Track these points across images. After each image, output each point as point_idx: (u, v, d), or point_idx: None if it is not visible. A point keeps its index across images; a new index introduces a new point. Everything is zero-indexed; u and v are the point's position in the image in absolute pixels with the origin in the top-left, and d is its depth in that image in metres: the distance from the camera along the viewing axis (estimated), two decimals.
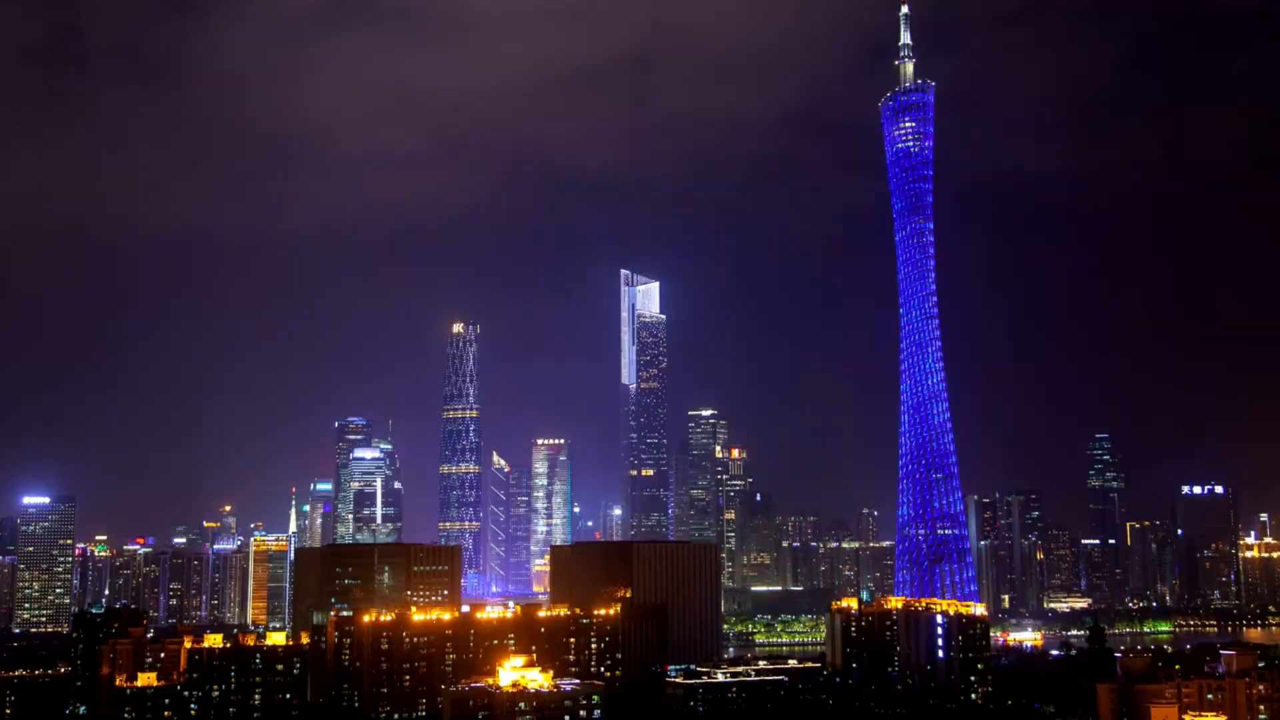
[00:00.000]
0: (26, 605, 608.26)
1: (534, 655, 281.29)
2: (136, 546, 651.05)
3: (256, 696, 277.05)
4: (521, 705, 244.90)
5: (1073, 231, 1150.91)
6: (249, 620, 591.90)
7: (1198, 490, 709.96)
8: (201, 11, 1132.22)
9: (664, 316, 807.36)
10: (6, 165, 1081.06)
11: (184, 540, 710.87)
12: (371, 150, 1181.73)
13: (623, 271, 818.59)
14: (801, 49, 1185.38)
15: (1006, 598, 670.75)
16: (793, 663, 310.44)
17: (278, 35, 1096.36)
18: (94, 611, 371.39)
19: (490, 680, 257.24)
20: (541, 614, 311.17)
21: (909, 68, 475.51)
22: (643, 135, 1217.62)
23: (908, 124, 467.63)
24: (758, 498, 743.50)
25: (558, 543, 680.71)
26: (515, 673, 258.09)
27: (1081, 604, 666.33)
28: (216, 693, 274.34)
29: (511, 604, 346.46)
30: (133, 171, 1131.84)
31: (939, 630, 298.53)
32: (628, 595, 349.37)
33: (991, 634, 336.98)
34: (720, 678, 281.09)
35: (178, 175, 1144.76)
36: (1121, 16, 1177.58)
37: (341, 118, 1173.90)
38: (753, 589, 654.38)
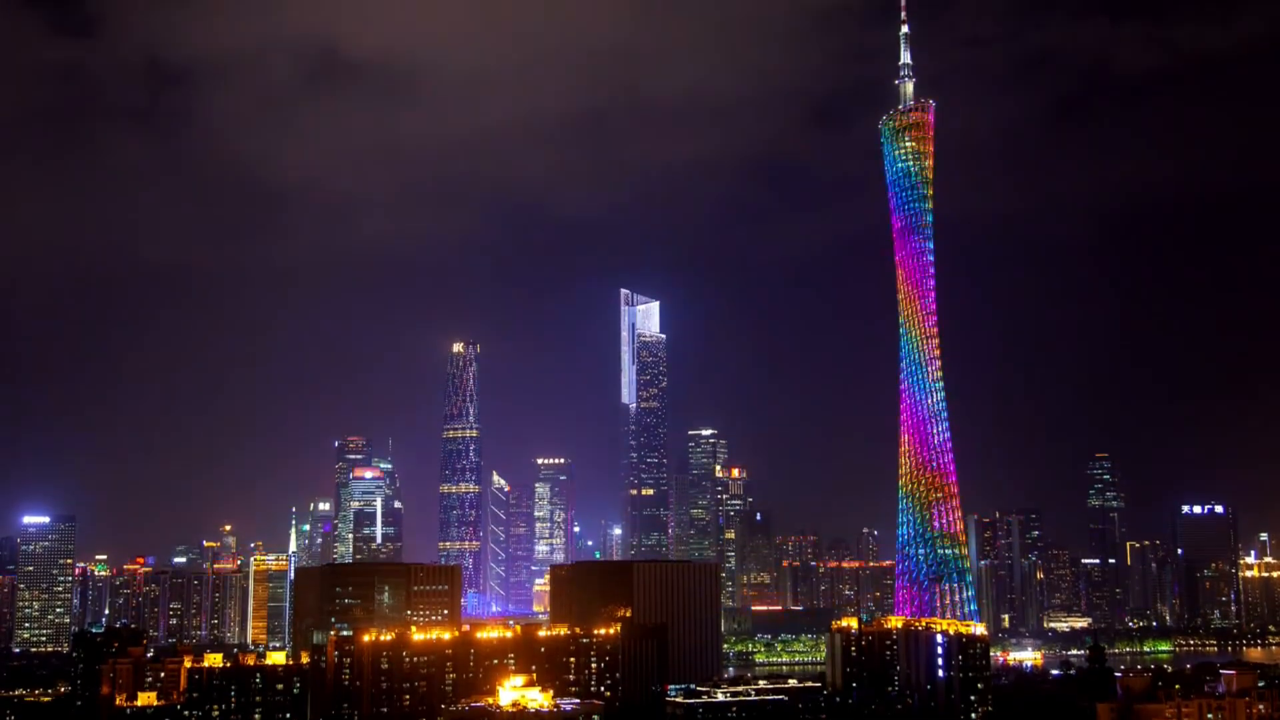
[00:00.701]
0: (27, 625, 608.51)
1: (534, 675, 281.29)
2: (136, 566, 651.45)
3: (256, 716, 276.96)
4: None
5: (1071, 252, 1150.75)
6: (249, 640, 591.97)
7: (1197, 510, 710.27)
8: (197, 78, 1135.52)
9: (664, 336, 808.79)
10: (15, 208, 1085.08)
11: (184, 560, 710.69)
12: (359, 194, 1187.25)
13: (622, 291, 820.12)
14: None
15: (1007, 617, 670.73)
16: (793, 682, 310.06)
17: (268, 96, 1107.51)
18: (94, 631, 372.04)
19: (490, 700, 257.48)
20: (541, 633, 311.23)
21: (909, 87, 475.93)
22: (622, 175, 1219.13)
23: (908, 143, 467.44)
24: (758, 517, 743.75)
25: (558, 562, 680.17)
26: (515, 692, 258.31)
27: (1081, 623, 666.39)
28: (216, 712, 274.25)
29: (511, 623, 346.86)
30: (133, 214, 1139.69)
31: (939, 650, 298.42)
32: (628, 615, 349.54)
33: (991, 653, 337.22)
34: (720, 697, 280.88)
35: (174, 217, 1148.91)
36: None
37: (327, 166, 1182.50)
38: (753, 608, 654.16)
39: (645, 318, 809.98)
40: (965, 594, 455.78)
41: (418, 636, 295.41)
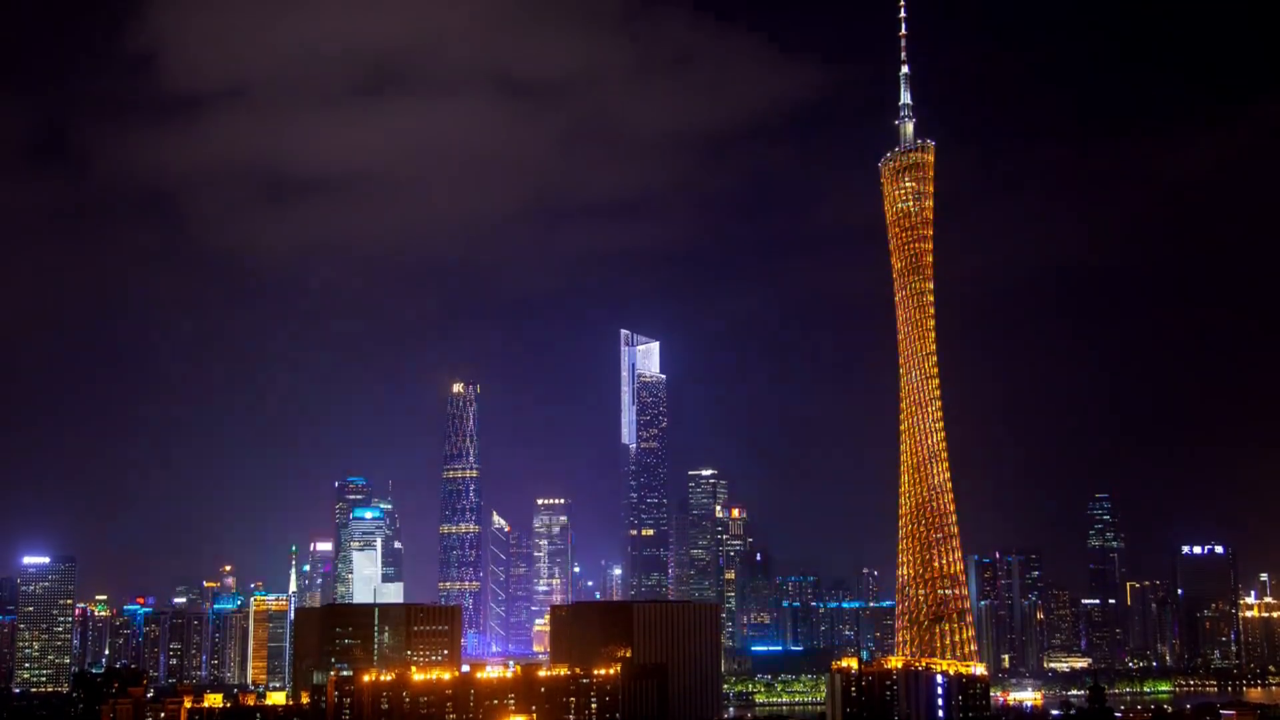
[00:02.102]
0: (27, 665, 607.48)
1: (534, 715, 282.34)
2: (136, 606, 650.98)
3: None
4: None
5: (1071, 293, 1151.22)
6: (249, 680, 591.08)
7: (1198, 550, 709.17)
8: (183, 192, 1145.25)
9: (664, 376, 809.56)
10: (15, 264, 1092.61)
11: (184, 600, 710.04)
12: (329, 279, 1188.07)
13: (622, 331, 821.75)
14: None
15: (1007, 657, 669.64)
16: None
17: (240, 204, 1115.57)
18: (94, 671, 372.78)
19: None
20: (542, 674, 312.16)
21: (909, 127, 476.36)
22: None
23: (908, 184, 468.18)
24: (758, 557, 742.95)
25: (558, 602, 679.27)
26: None
27: (1082, 664, 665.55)
28: None
29: (512, 663, 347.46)
30: (127, 264, 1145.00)
31: (939, 690, 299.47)
32: (628, 655, 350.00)
33: (992, 694, 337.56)
34: None
35: (169, 284, 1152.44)
36: None
37: (295, 254, 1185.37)
38: (753, 648, 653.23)
39: (645, 358, 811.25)
40: (965, 634, 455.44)
41: (418, 677, 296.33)
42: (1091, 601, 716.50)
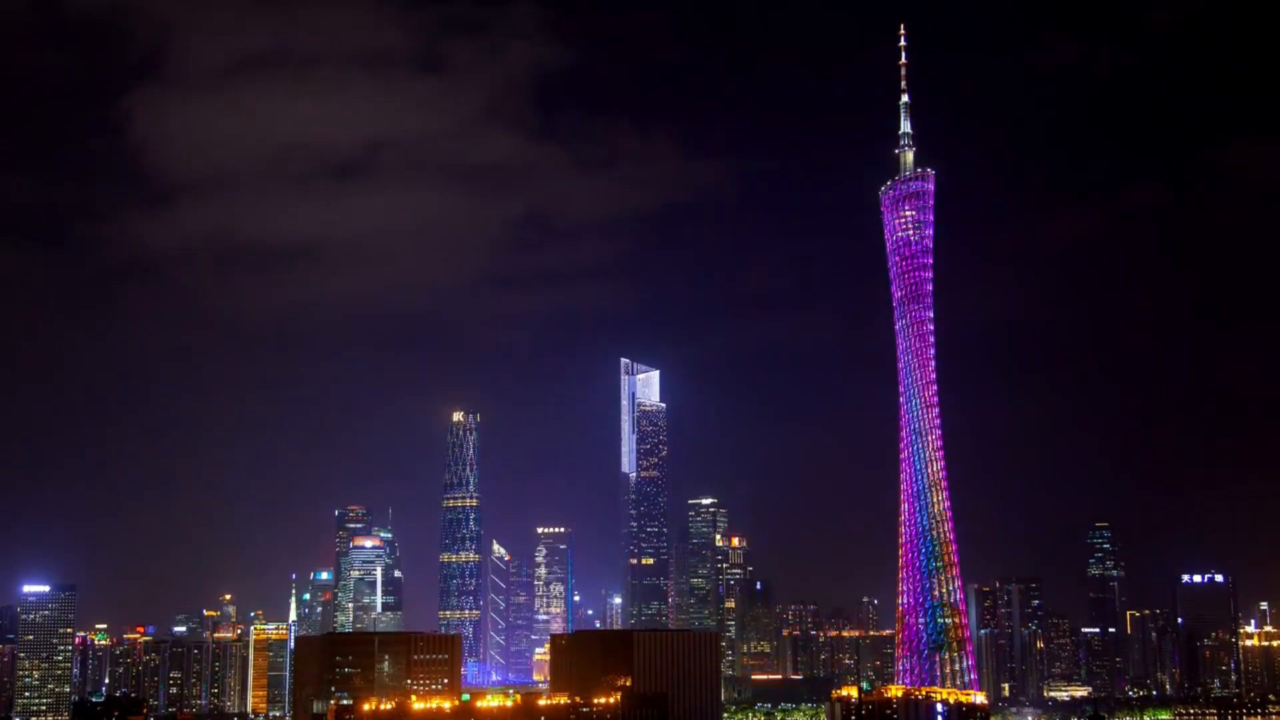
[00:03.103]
0: (26, 694, 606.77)
1: None
2: (137, 635, 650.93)
3: None
4: None
5: (1072, 321, 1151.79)
6: (249, 709, 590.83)
7: (1197, 578, 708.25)
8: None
9: (664, 405, 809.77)
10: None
11: (184, 629, 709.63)
12: (320, 324, 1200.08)
13: (622, 360, 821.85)
14: None
15: (1007, 686, 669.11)
16: None
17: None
18: (94, 700, 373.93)
19: None
20: (542, 703, 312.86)
21: (909, 156, 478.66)
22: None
23: (907, 212, 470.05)
24: (758, 586, 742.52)
25: (558, 631, 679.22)
26: None
27: (1082, 692, 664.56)
28: None
29: (512, 692, 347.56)
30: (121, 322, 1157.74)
31: (939, 719, 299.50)
32: (628, 684, 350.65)
33: None
34: None
35: (162, 330, 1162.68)
36: None
37: (282, 309, 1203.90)
38: (753, 677, 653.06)
39: (645, 387, 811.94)
40: (965, 663, 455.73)
41: (418, 706, 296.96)
42: (1091, 630, 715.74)
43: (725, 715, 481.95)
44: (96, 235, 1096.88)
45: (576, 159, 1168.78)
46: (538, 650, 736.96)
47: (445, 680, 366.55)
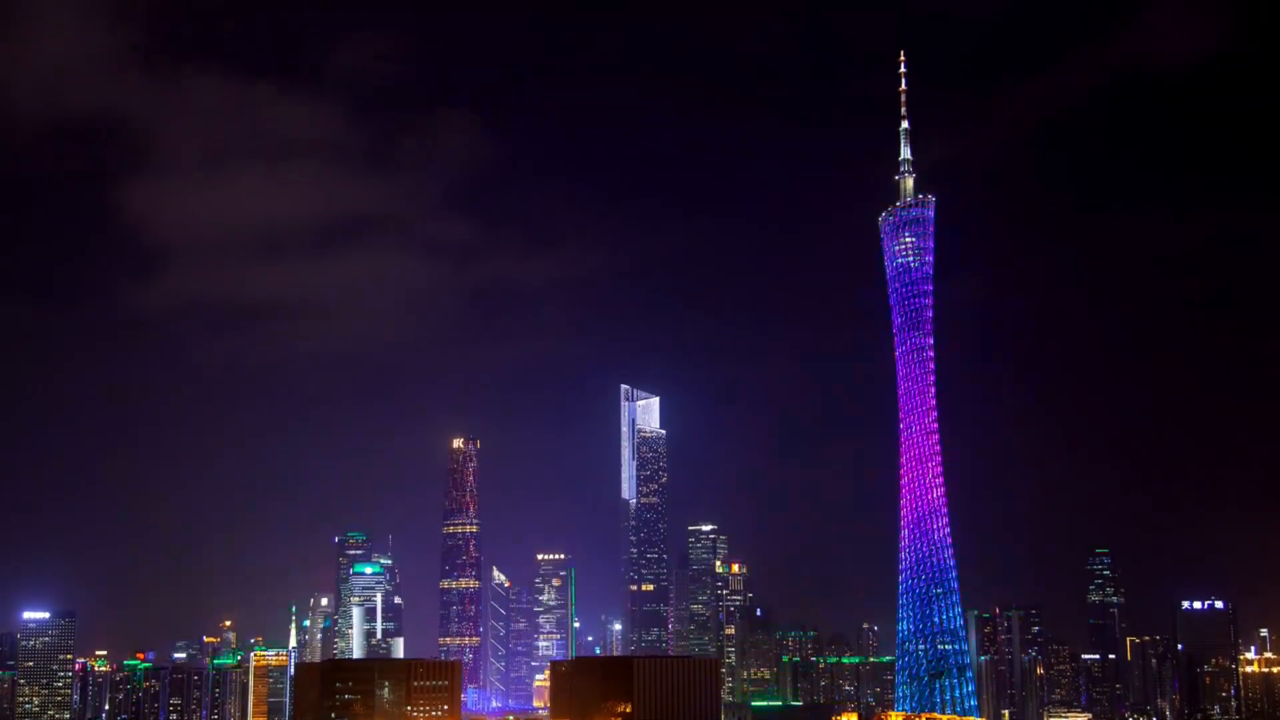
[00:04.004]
0: None
1: None
2: (137, 661, 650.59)
3: None
4: None
5: (1072, 347, 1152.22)
6: None
7: (1197, 605, 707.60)
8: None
9: (664, 432, 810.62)
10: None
11: (184, 655, 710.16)
12: (314, 365, 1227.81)
13: (622, 386, 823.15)
14: None
15: (1007, 713, 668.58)
16: None
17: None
18: None
19: None
20: None
21: (909, 182, 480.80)
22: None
23: (907, 239, 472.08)
24: (758, 612, 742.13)
25: (558, 658, 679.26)
26: None
27: (1082, 719, 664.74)
28: None
29: (512, 719, 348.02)
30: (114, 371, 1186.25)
31: None
32: (628, 710, 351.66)
33: None
34: None
35: (159, 377, 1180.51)
36: None
37: (274, 359, 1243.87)
38: (753, 704, 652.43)
39: (645, 413, 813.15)
40: (965, 690, 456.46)
41: None
42: (1091, 657, 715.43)
43: None
44: (92, 297, 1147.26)
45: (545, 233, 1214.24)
46: (538, 677, 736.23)
47: (445, 707, 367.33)
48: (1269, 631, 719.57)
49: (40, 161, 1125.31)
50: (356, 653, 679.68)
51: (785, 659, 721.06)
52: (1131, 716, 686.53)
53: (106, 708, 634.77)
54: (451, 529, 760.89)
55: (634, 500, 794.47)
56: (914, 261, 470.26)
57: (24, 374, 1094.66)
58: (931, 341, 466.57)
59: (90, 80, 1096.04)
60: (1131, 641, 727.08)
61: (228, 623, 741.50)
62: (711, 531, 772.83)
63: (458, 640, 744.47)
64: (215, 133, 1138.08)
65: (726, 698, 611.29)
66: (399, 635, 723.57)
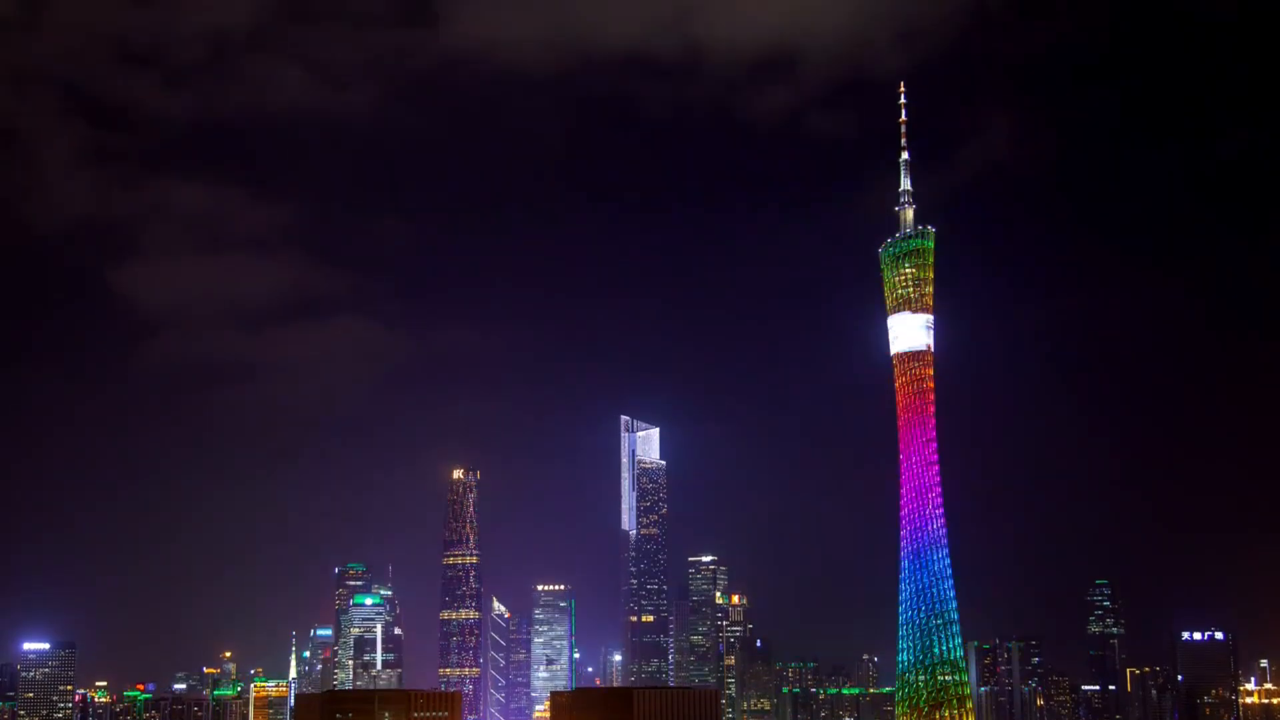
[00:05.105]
0: None
1: None
2: (137, 693, 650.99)
3: None
4: None
5: (1072, 378, 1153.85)
6: None
7: (1198, 636, 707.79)
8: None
9: (664, 462, 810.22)
10: None
11: (184, 686, 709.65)
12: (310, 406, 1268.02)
13: (623, 418, 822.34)
14: None
15: None
16: None
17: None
18: None
19: None
20: None
21: (909, 214, 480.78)
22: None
23: (907, 270, 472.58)
24: (758, 644, 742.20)
25: (558, 689, 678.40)
26: None
27: None
28: None
29: None
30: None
31: None
32: None
33: None
34: None
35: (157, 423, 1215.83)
36: None
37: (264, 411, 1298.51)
38: None
39: (645, 444, 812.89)
40: None
41: None
42: (1091, 688, 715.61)
43: None
44: (93, 360, 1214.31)
45: None
46: (538, 708, 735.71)
47: None
48: (1269, 662, 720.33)
49: (49, 256, 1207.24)
50: (357, 684, 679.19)
51: (785, 690, 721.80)
52: None
53: None
54: (451, 560, 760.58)
55: (634, 531, 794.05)
56: (914, 293, 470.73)
57: (38, 429, 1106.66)
58: (931, 373, 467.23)
59: (89, 190, 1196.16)
60: (1131, 672, 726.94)
61: (228, 654, 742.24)
62: (711, 562, 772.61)
63: (458, 671, 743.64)
64: (197, 225, 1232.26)
65: None
66: (399, 666, 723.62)
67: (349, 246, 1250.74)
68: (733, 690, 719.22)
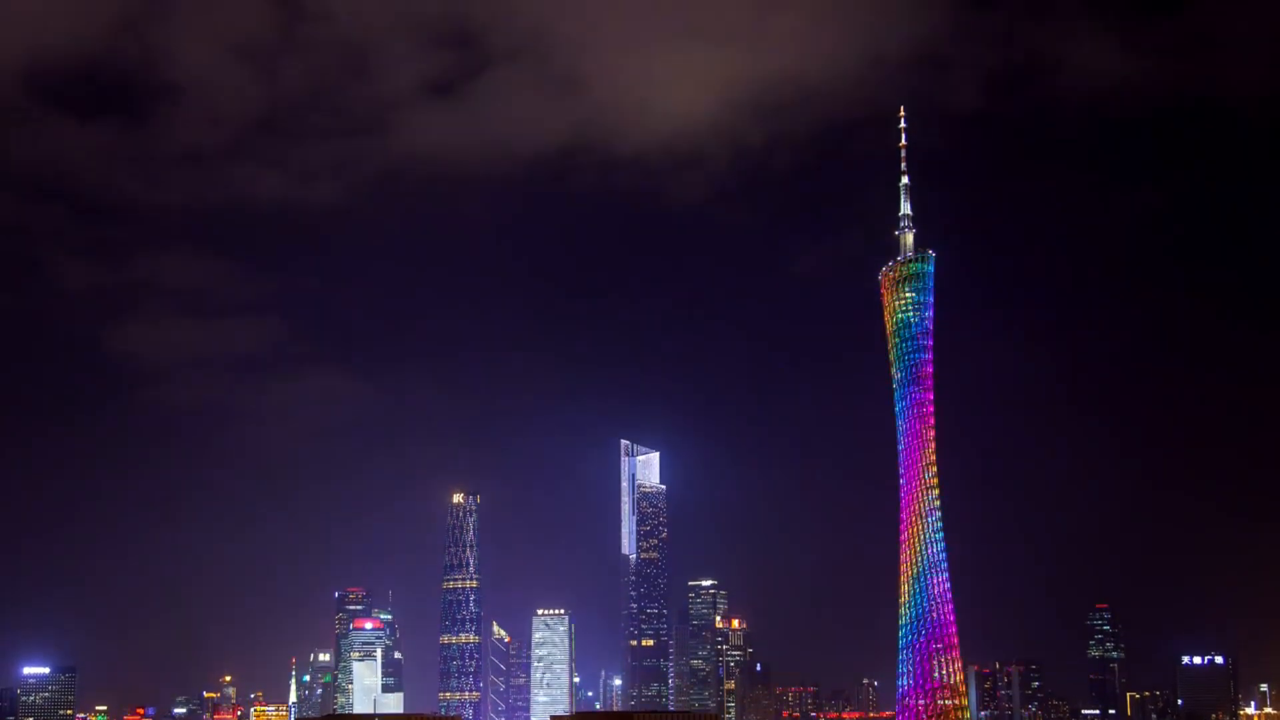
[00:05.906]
0: None
1: None
2: (137, 717, 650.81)
3: None
4: None
5: (1073, 402, 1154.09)
6: None
7: (1198, 660, 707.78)
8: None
9: (664, 487, 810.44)
10: None
11: (184, 710, 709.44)
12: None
13: (622, 442, 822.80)
14: None
15: None
16: None
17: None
18: None
19: None
20: None
21: (909, 238, 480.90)
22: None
23: (907, 294, 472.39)
24: (758, 668, 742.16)
25: (558, 713, 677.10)
26: None
27: None
28: None
29: None
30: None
31: None
32: None
33: None
34: None
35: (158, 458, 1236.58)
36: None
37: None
38: None
39: (645, 468, 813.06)
40: None
41: None
42: (1091, 712, 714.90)
43: None
44: (92, 406, 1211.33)
45: None
46: None
47: None
48: (1269, 687, 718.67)
49: (54, 317, 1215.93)
50: (357, 708, 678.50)
51: (785, 714, 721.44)
52: None
53: None
54: (451, 584, 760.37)
55: (634, 555, 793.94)
56: (913, 317, 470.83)
57: (40, 465, 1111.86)
58: (931, 397, 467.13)
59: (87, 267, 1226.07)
60: (1132, 697, 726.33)
61: (228, 678, 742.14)
62: (711, 587, 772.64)
63: (458, 695, 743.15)
64: (186, 289, 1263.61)
65: None
66: (399, 690, 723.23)
67: (325, 312, 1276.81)
68: (732, 714, 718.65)
